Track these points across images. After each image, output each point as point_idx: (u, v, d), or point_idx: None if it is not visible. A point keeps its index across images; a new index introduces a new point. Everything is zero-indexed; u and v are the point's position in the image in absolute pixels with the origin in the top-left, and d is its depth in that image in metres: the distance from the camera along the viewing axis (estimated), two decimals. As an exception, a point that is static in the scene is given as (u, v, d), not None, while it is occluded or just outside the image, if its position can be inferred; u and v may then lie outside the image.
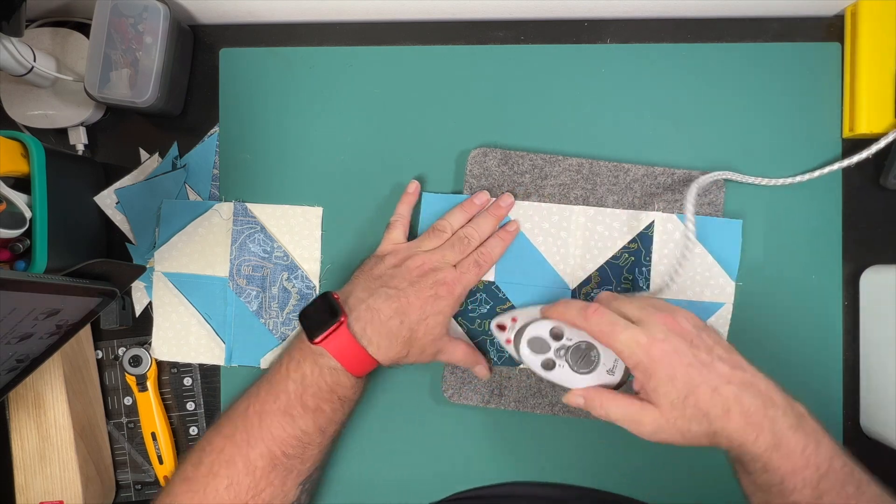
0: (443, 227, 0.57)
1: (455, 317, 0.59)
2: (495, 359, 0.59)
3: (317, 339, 0.51)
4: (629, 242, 0.58)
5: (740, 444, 0.44)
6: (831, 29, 0.60)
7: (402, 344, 0.53)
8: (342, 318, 0.52)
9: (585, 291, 0.58)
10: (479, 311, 0.59)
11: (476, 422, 0.60)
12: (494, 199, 0.59)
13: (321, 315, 0.53)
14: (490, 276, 0.58)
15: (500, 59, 0.61)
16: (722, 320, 0.58)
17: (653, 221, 0.58)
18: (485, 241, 0.57)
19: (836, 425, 0.58)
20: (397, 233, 0.58)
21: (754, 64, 0.60)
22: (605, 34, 0.61)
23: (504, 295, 0.58)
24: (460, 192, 0.60)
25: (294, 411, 0.51)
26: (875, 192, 0.59)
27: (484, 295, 0.59)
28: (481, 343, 0.59)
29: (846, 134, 0.59)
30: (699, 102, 0.60)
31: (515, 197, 0.59)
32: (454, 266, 0.55)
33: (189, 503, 0.50)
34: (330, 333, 0.51)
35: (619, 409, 0.47)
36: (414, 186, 0.59)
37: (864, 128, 0.57)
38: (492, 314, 0.58)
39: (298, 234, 0.61)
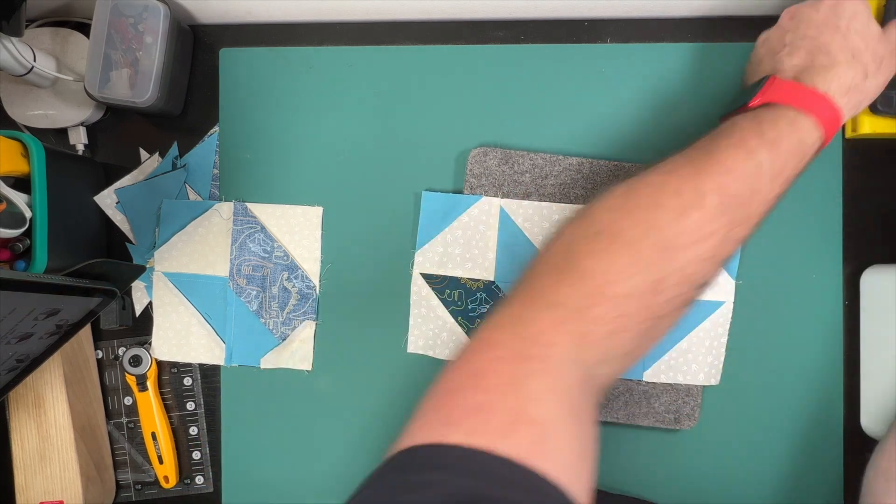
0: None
1: (455, 317, 0.59)
2: None
3: (752, 102, 0.47)
4: None
5: None
6: (831, 29, 0.60)
7: (849, 64, 0.46)
8: (771, 77, 0.47)
9: None
10: (479, 310, 0.59)
11: None
12: None
13: (750, 90, 0.48)
14: (490, 276, 0.58)
15: (500, 59, 0.61)
16: (722, 318, 0.58)
17: None
18: None
19: (836, 425, 0.58)
20: None
21: (754, 64, 0.60)
22: (605, 34, 0.61)
23: (505, 294, 0.58)
24: (460, 192, 0.60)
25: (751, 142, 0.44)
26: (875, 192, 0.59)
27: (484, 295, 0.59)
28: None
29: (849, 134, 0.59)
30: (699, 102, 0.60)
31: (515, 196, 0.59)
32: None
33: (634, 227, 0.41)
34: (764, 91, 0.46)
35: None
36: None
37: (867, 128, 0.57)
38: None
39: (298, 234, 0.61)
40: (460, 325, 0.59)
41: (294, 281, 0.61)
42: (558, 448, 0.35)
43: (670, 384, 0.58)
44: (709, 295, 0.57)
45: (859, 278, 0.58)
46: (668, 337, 0.57)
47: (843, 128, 0.59)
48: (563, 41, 0.61)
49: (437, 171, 0.61)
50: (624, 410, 0.58)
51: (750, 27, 0.60)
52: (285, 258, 0.61)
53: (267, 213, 0.61)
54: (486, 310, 0.58)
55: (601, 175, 0.58)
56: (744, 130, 0.45)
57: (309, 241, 0.61)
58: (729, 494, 0.59)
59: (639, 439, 0.59)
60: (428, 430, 0.35)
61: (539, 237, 0.58)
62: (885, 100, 0.54)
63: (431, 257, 0.59)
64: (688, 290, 0.42)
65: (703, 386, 0.58)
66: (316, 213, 0.61)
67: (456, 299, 0.59)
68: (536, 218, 0.58)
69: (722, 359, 0.58)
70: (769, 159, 0.44)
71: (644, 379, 0.58)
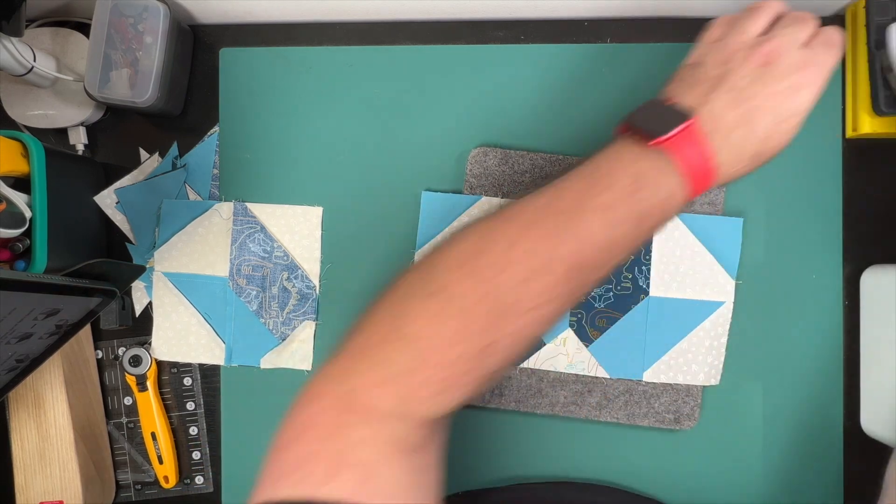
0: (761, 3, 0.46)
1: None
2: None
3: (664, 137, 0.40)
4: None
5: None
6: (831, 29, 0.60)
7: (749, 159, 0.42)
8: (693, 118, 0.41)
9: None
10: None
11: (474, 422, 0.60)
12: None
13: (658, 118, 0.42)
14: None
15: (500, 59, 0.61)
16: (722, 318, 0.58)
17: None
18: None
19: (837, 425, 0.58)
20: (719, 31, 0.46)
21: (754, 64, 0.59)
22: (605, 34, 0.61)
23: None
24: (460, 192, 0.60)
25: (619, 210, 0.40)
26: (875, 192, 0.59)
27: None
28: None
29: (850, 134, 0.59)
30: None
31: (515, 196, 0.59)
32: (804, 47, 0.43)
33: (472, 291, 0.39)
34: (679, 132, 0.40)
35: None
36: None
37: (867, 128, 0.57)
38: None
39: (298, 234, 0.61)
40: None
41: (294, 281, 0.61)
42: (385, 484, 0.36)
43: (670, 384, 0.58)
44: (709, 295, 0.57)
45: (859, 278, 0.58)
46: (667, 337, 0.58)
47: (844, 128, 0.59)
48: (563, 41, 0.61)
49: (436, 171, 0.61)
50: (624, 411, 0.58)
51: (750, 27, 0.60)
52: (285, 258, 0.61)
53: (267, 213, 0.61)
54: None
55: None
56: (618, 193, 0.41)
57: (309, 241, 0.61)
58: (729, 494, 0.59)
59: (639, 439, 0.59)
60: (262, 490, 0.36)
61: None
62: (888, 101, 0.54)
63: None
64: (521, 347, 0.41)
65: (703, 386, 0.58)
66: (316, 213, 0.61)
67: None
68: None
69: (722, 359, 0.58)
70: (633, 231, 0.41)
71: (644, 379, 0.58)
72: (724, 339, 0.58)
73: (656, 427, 0.58)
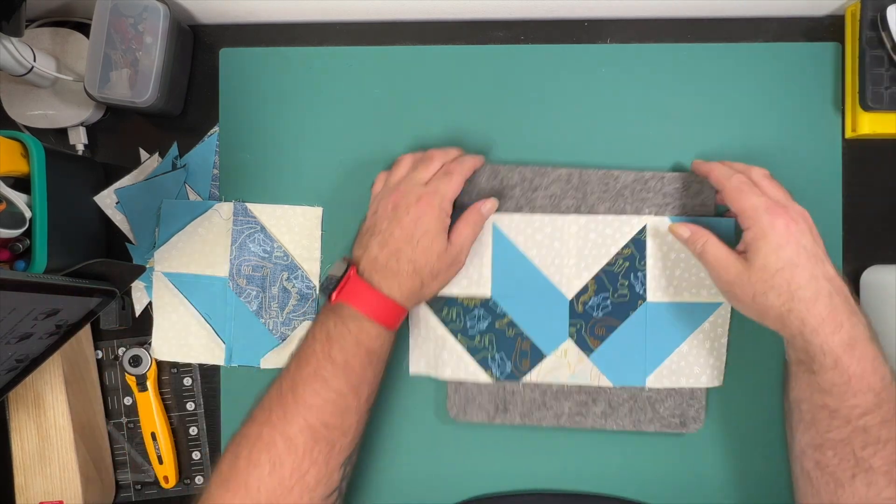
0: (400, 158, 0.57)
1: (454, 334, 0.58)
2: (498, 374, 0.58)
3: (333, 295, 0.52)
4: (623, 248, 0.58)
5: (813, 331, 0.47)
6: (831, 29, 0.60)
7: (410, 276, 0.52)
8: (350, 268, 0.52)
9: (583, 301, 0.58)
10: (478, 327, 0.58)
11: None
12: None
13: (333, 280, 0.53)
14: (486, 292, 0.58)
15: (500, 59, 0.61)
16: (721, 319, 0.58)
17: (645, 225, 0.58)
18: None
19: (837, 425, 0.58)
20: (395, 170, 0.57)
21: (754, 64, 0.60)
22: (605, 34, 0.61)
23: (502, 310, 0.58)
24: None
25: (324, 371, 0.50)
26: (875, 192, 0.59)
27: (482, 311, 0.58)
28: (483, 360, 0.58)
29: (849, 135, 0.59)
30: (699, 102, 0.60)
31: (506, 210, 0.58)
32: (425, 184, 0.54)
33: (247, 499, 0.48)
34: (343, 285, 0.52)
35: (715, 250, 0.51)
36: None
37: (866, 128, 0.57)
38: (491, 330, 0.58)
39: (298, 234, 0.61)
40: (460, 342, 0.58)
41: (294, 281, 0.61)
42: None
43: (674, 388, 0.58)
44: (706, 297, 0.57)
45: (859, 278, 0.58)
46: (668, 342, 0.58)
47: (844, 128, 0.59)
48: (563, 41, 0.61)
49: (437, 171, 0.60)
50: (629, 418, 0.58)
51: (750, 27, 0.60)
52: (285, 258, 0.61)
53: (267, 214, 0.61)
54: (484, 326, 0.58)
55: (591, 183, 0.58)
56: (317, 357, 0.50)
57: (309, 241, 0.61)
58: (738, 495, 0.59)
59: (646, 445, 0.59)
60: None
61: (533, 250, 0.58)
62: (875, 96, 0.55)
63: None
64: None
65: (707, 388, 0.58)
66: (316, 213, 0.61)
67: (454, 318, 0.58)
68: (529, 231, 0.58)
69: (723, 359, 0.58)
70: (345, 380, 0.50)
71: (647, 385, 0.58)
72: (725, 340, 0.58)
73: (663, 432, 0.58)
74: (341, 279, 0.52)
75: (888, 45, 0.55)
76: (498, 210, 0.58)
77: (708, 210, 0.58)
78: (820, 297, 0.47)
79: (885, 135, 0.57)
